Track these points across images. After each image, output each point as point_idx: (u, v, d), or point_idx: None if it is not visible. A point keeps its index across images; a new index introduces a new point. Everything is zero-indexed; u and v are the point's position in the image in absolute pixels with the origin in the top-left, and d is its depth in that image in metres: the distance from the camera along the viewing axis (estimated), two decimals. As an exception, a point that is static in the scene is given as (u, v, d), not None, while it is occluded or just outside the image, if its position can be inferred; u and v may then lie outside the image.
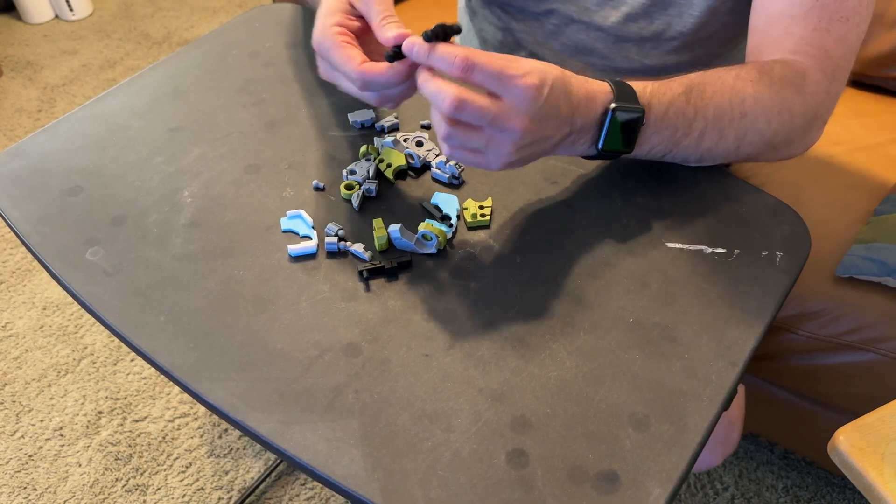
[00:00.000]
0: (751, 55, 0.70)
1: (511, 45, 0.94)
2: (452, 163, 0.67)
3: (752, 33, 0.71)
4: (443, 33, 0.53)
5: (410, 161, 0.68)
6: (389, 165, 0.67)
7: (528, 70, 0.52)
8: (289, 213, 0.64)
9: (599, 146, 0.58)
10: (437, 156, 0.68)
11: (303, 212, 0.64)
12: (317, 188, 0.66)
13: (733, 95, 0.61)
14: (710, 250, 0.61)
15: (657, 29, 0.80)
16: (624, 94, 0.58)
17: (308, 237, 0.62)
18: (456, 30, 0.54)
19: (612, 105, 0.57)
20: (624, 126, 0.58)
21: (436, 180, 0.68)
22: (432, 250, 0.61)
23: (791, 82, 0.64)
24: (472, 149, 0.55)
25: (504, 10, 0.90)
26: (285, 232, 0.63)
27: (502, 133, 0.53)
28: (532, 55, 0.92)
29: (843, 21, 0.65)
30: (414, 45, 0.54)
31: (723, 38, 0.82)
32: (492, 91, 0.52)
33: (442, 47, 0.52)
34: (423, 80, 0.54)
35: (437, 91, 0.52)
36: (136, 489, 1.25)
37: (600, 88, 0.58)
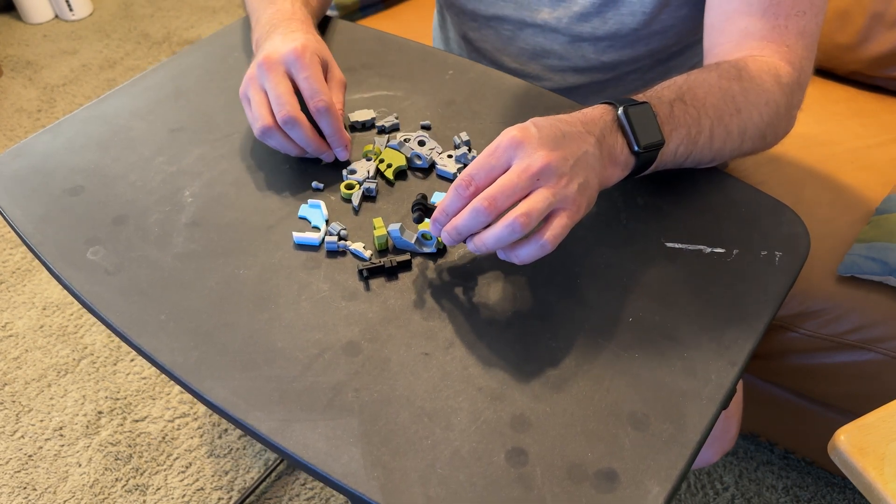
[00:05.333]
0: (711, 54, 0.70)
1: (471, 54, 0.94)
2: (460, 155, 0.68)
3: (708, 31, 0.71)
4: (423, 208, 0.57)
5: (417, 162, 0.68)
6: (389, 165, 0.67)
7: (503, 132, 0.53)
8: (310, 201, 0.65)
9: (636, 148, 0.57)
10: (441, 153, 0.69)
11: (322, 203, 0.64)
12: (316, 189, 0.67)
13: (723, 93, 0.62)
14: (709, 250, 0.61)
15: (611, 29, 0.81)
16: (623, 98, 0.59)
17: (317, 228, 0.63)
18: (429, 206, 0.58)
19: (620, 107, 0.57)
20: (641, 119, 0.57)
21: (441, 177, 0.68)
22: (432, 249, 0.61)
23: (768, 73, 0.64)
24: (550, 214, 0.53)
25: (459, 16, 0.90)
26: (300, 218, 0.64)
27: (542, 178, 0.52)
28: (492, 63, 0.92)
29: (800, 15, 0.66)
30: (448, 235, 0.54)
31: (680, 30, 0.82)
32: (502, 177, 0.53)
33: (459, 218, 0.53)
34: (476, 245, 0.54)
35: (491, 234, 0.52)
36: (136, 489, 1.25)
37: (594, 106, 0.58)
